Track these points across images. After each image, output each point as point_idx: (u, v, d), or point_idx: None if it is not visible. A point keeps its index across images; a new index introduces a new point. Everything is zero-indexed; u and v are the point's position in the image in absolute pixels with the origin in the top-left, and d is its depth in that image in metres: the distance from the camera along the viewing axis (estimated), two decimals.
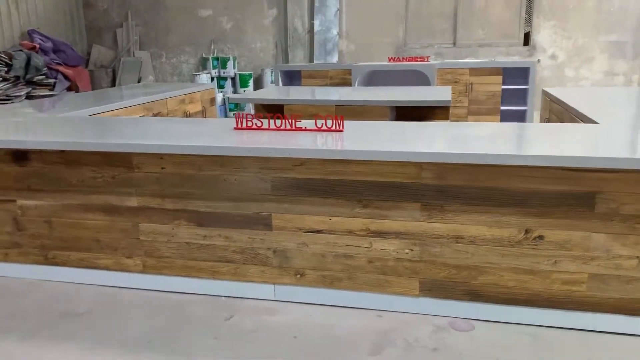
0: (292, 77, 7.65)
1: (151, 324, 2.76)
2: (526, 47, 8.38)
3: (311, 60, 9.13)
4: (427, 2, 8.68)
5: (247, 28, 9.52)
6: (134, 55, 10.05)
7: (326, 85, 7.21)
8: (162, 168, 2.90)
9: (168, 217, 2.97)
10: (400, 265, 2.75)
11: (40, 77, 8.60)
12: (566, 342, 2.53)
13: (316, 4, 8.94)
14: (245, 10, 9.42)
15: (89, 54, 10.32)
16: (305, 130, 2.99)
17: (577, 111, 3.44)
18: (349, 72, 7.04)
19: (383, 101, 4.30)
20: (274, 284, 2.95)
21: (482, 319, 2.70)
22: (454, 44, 8.68)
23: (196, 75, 9.02)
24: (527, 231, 2.56)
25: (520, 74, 6.96)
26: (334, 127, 2.96)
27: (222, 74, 9.22)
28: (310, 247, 2.84)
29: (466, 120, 6.80)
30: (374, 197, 2.68)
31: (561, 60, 8.25)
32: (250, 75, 9.23)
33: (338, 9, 8.89)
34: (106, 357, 2.48)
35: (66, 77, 9.03)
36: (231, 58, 9.23)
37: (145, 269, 3.09)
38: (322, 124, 2.97)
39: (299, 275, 2.90)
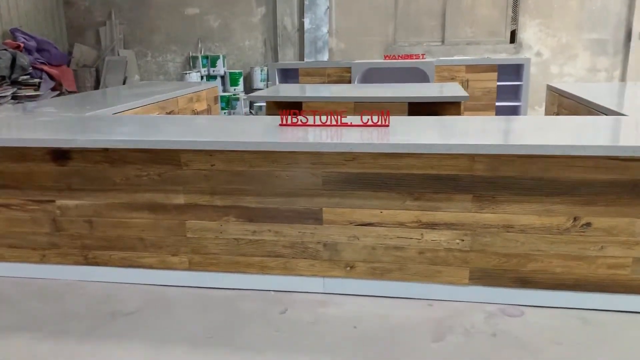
0: (287, 76, 7.68)
1: (207, 320, 2.77)
2: (512, 45, 8.61)
3: (301, 58, 9.16)
4: (416, 0, 8.82)
5: (235, 26, 9.48)
6: (118, 55, 9.88)
7: (324, 83, 7.27)
8: (212, 165, 2.91)
9: (217, 213, 2.98)
10: (450, 255, 2.83)
11: (25, 77, 8.38)
12: (614, 323, 2.66)
13: (306, 2, 8.97)
14: (233, 8, 9.37)
15: (70, 53, 10.09)
16: (351, 125, 3.04)
17: (598, 105, 3.60)
18: (347, 69, 7.12)
19: (402, 97, 4.38)
20: (324, 277, 2.99)
21: (531, 305, 2.81)
22: (443, 41, 8.85)
23: (186, 74, 8.94)
24: (575, 219, 2.67)
25: (510, 71, 7.18)
26: (380, 123, 3.02)
27: (211, 73, 9.16)
28: (361, 240, 2.90)
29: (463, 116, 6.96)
30: (425, 190, 2.76)
31: (546, 57, 8.51)
32: (240, 74, 9.20)
33: (328, 7, 8.94)
34: (173, 354, 2.48)
35: (51, 76, 8.82)
36: (221, 56, 9.18)
37: (191, 266, 3.10)
38: (368, 119, 3.03)
39: (348, 268, 2.95)
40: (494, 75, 6.81)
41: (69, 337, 2.63)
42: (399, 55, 7.33)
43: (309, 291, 3.02)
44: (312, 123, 3.09)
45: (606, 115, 3.46)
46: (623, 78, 8.38)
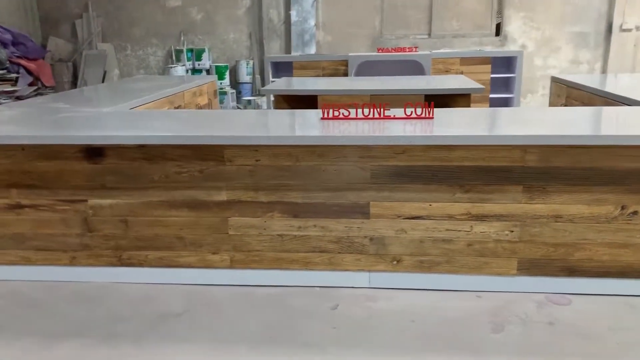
0: (279, 69, 7.59)
1: (260, 318, 2.71)
2: (498, 38, 8.74)
3: (288, 51, 9.07)
4: None
5: (219, 19, 9.30)
6: (96, 48, 9.57)
7: (318, 76, 7.22)
8: (257, 160, 2.84)
9: (261, 209, 2.92)
10: (499, 246, 2.85)
11: (2, 72, 8.04)
12: None
13: None
14: (217, 0, 9.20)
15: (44, 46, 9.71)
16: (395, 118, 3.02)
17: (619, 95, 3.68)
18: (342, 62, 7.09)
19: (419, 90, 4.38)
20: (369, 271, 2.97)
21: (577, 293, 2.86)
22: (429, 34, 8.92)
23: (171, 67, 8.73)
24: (622, 207, 2.73)
25: (499, 63, 7.29)
26: (423, 115, 3.01)
27: (197, 66, 8.98)
28: (409, 234, 2.89)
29: None
30: (476, 182, 2.77)
31: (530, 50, 8.67)
32: (226, 67, 9.04)
33: (315, 0, 8.88)
34: (237, 354, 2.42)
35: (28, 71, 8.48)
36: (206, 49, 9.01)
37: (232, 264, 3.02)
38: (412, 111, 3.01)
39: (395, 262, 2.94)
40: (488, 67, 6.90)
41: (124, 341, 2.53)
42: (392, 49, 7.34)
43: (354, 286, 2.99)
44: (355, 116, 3.05)
45: (629, 105, 3.55)
46: (604, 70, 8.62)
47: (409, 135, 2.70)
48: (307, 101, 4.85)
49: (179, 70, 8.72)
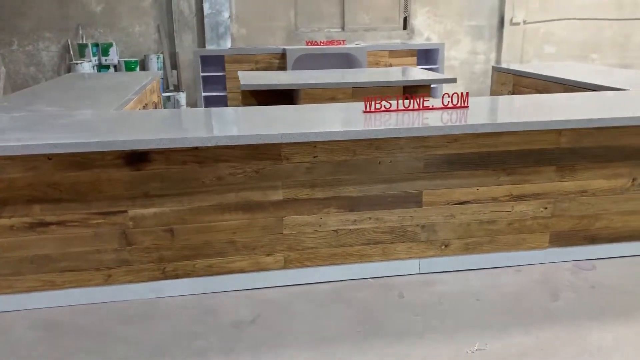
0: (207, 63, 7.32)
1: (338, 314, 2.69)
2: (405, 31, 9.24)
3: (202, 44, 8.74)
4: None
5: (122, 11, 8.67)
6: None
7: (252, 69, 7.09)
8: (315, 157, 2.79)
9: (317, 206, 2.87)
10: (535, 222, 3.12)
11: None
12: None
13: None
14: None
15: None
16: (433, 108, 3.14)
17: (578, 81, 4.16)
18: (276, 55, 7.03)
19: (397, 81, 4.55)
20: (419, 258, 3.08)
21: (597, 258, 3.22)
22: (343, 28, 9.15)
23: (77, 64, 7.97)
24: (634, 179, 3.13)
25: (420, 55, 7.75)
26: (459, 104, 3.17)
27: (103, 62, 8.30)
28: (457, 218, 3.04)
29: None
30: (517, 165, 2.99)
31: (435, 42, 9.29)
32: (136, 63, 8.47)
33: None
34: (340, 352, 2.39)
35: None
36: (114, 44, 8.35)
37: (286, 265, 2.94)
38: (449, 101, 3.15)
39: (443, 246, 3.08)
40: (414, 59, 7.30)
41: (215, 356, 2.36)
42: (320, 42, 7.43)
43: (405, 274, 3.08)
44: (396, 108, 3.12)
45: (591, 90, 4.03)
46: (498, 60, 9.52)
47: (479, 124, 2.83)
48: (278, 95, 4.79)
49: (86, 66, 8.00)
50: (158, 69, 8.68)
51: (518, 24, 9.34)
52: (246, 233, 2.86)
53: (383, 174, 2.89)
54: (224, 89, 7.22)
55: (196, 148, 2.67)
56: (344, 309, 2.74)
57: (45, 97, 3.86)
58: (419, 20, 9.19)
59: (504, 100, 3.67)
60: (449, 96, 3.16)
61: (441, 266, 3.10)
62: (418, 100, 3.12)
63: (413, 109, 3.14)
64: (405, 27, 9.29)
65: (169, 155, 2.67)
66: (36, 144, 2.51)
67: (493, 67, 5.60)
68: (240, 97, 4.85)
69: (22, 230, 2.65)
